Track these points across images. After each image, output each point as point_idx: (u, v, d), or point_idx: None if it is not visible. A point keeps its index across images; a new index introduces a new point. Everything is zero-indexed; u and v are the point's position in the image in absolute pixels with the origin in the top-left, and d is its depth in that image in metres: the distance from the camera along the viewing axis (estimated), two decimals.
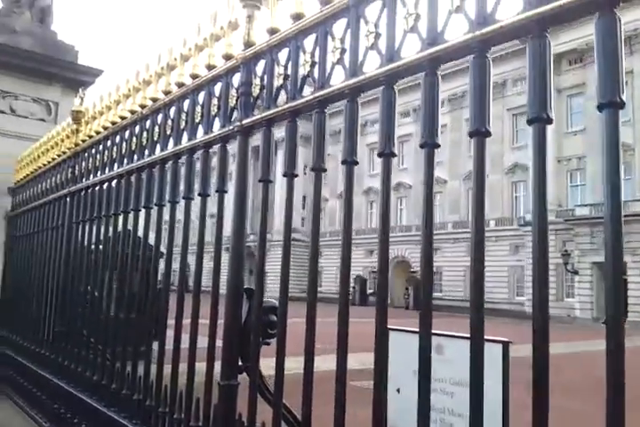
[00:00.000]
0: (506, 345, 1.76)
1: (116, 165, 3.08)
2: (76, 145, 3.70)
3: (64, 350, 3.55)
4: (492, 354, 2.10)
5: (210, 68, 2.28)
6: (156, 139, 2.67)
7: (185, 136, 2.45)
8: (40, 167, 4.44)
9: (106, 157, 3.22)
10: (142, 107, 2.82)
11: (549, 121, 1.11)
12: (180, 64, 2.52)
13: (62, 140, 4.02)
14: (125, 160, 2.97)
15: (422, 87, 1.34)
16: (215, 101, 2.23)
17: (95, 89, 5.86)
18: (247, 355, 1.98)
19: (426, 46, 1.35)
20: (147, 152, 2.76)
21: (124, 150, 3.00)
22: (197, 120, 2.34)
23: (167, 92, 2.61)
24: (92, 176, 3.42)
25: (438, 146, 1.32)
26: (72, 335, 3.50)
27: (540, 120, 1.11)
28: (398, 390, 2.91)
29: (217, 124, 2.25)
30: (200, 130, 2.34)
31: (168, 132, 2.58)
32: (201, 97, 2.36)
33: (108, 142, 3.22)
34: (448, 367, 2.34)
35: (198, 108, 2.34)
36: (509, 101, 36.41)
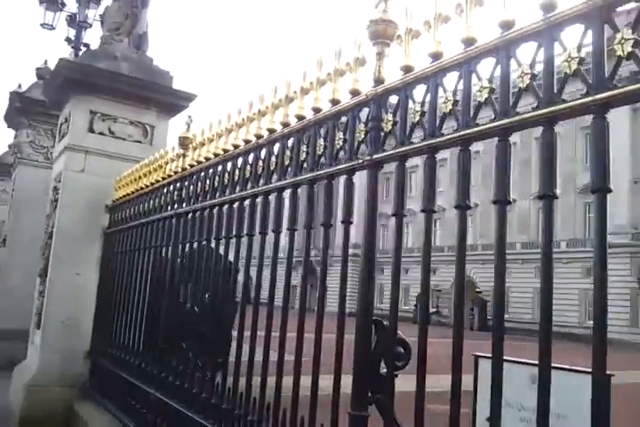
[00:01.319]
0: (607, 378, 1.72)
1: (227, 191, 3.20)
2: (183, 169, 3.86)
3: (168, 365, 3.67)
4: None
5: (334, 102, 2.35)
6: (272, 168, 2.76)
7: (305, 167, 2.52)
8: (142, 188, 4.65)
9: (216, 183, 3.35)
10: (258, 137, 2.92)
11: None
12: (299, 97, 2.60)
13: (167, 163, 4.20)
14: (238, 187, 3.08)
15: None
16: (340, 135, 2.29)
17: (189, 112, 6.11)
18: (376, 386, 2.01)
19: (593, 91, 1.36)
20: (262, 180, 2.86)
21: (236, 177, 3.11)
22: (320, 152, 2.41)
23: (285, 124, 2.69)
24: (200, 199, 3.55)
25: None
26: (177, 352, 3.63)
27: None
28: (488, 420, 2.86)
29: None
30: (322, 162, 2.40)
31: (286, 163, 2.66)
32: (323, 130, 2.42)
33: (219, 168, 3.35)
34: None
35: (321, 141, 2.41)
36: (582, 120, 35.34)
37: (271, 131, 2.82)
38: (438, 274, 40.79)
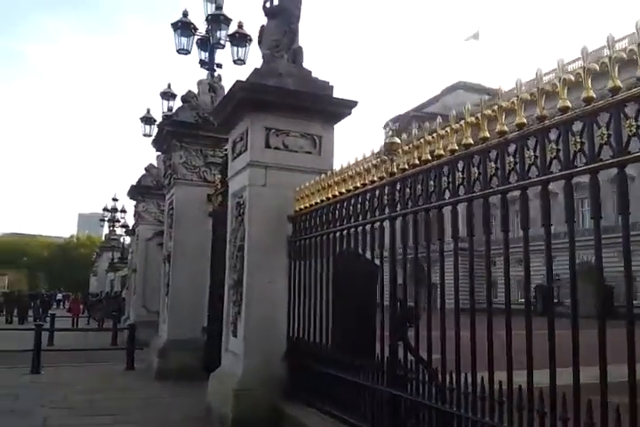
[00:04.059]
0: None
1: (461, 190, 3.28)
2: (392, 174, 3.99)
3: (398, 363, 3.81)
4: None
5: (614, 90, 2.36)
6: (530, 162, 2.80)
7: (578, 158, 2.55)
8: (334, 196, 4.84)
9: (445, 183, 3.43)
10: (501, 133, 2.98)
11: None
12: (560, 89, 2.62)
13: (367, 171, 4.35)
14: (479, 184, 3.14)
15: None
16: (632, 122, 2.29)
17: (350, 119, 6.29)
18: None
19: None
20: (514, 177, 2.91)
21: (474, 175, 3.18)
22: (602, 141, 2.41)
23: (541, 118, 2.71)
24: (421, 202, 3.66)
25: None
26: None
27: None
28: None
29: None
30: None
31: (552, 155, 2.65)
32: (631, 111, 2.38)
33: (445, 169, 3.44)
34: None
35: (603, 130, 2.41)
36: None
37: (520, 126, 2.86)
38: (556, 262, 38.89)
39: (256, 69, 6.08)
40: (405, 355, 3.80)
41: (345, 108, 6.09)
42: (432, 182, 3.56)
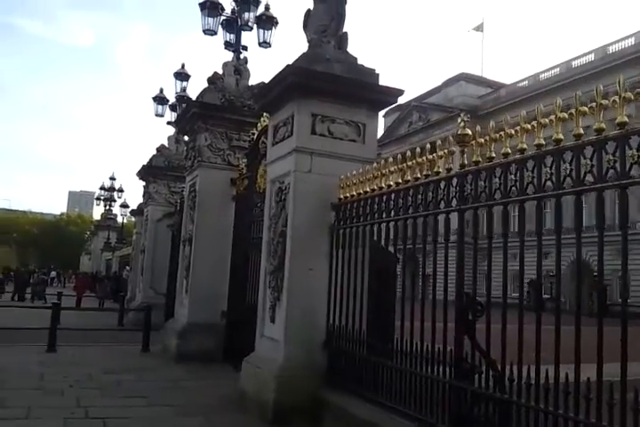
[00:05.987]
0: None
1: (545, 184, 3.28)
2: (462, 166, 3.98)
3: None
4: None
5: None
6: (633, 161, 2.79)
7: None
8: (390, 186, 4.83)
9: (529, 177, 3.43)
10: (599, 131, 2.97)
11: None
12: None
13: (431, 162, 4.33)
14: (571, 179, 3.15)
15: None
16: None
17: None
18: None
19: None
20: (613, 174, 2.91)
21: (565, 172, 3.18)
22: None
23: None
24: (497, 195, 3.66)
25: None
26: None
27: None
28: None
29: None
30: None
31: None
32: None
33: (528, 164, 3.43)
34: None
35: None
36: None
37: (622, 124, 2.85)
38: (551, 258, 39.27)
39: (303, 54, 6.00)
40: (473, 351, 3.82)
41: (391, 96, 6.05)
42: (512, 177, 3.55)
